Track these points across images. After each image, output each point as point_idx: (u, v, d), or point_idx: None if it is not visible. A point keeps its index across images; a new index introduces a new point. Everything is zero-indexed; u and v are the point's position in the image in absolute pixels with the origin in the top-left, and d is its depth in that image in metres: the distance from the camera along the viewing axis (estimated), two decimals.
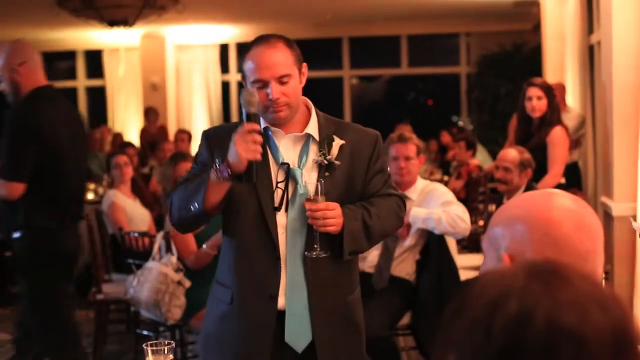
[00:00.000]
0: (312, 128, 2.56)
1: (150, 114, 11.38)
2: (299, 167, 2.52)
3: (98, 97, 12.98)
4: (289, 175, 2.51)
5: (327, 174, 2.51)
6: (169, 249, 4.48)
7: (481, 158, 9.63)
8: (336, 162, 2.52)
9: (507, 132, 6.51)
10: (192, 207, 2.45)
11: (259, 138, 2.38)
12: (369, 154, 2.59)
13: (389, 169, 2.81)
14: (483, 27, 11.91)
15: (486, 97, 11.60)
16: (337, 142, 2.54)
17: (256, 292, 2.50)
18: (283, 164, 2.53)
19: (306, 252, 2.49)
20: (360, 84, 13.86)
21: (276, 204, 2.50)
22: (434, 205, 4.16)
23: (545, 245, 1.30)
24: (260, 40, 2.52)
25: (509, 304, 0.97)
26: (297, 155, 2.54)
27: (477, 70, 12.04)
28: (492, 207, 6.00)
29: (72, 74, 13.20)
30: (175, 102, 12.56)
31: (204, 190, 2.40)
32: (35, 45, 4.38)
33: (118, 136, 11.34)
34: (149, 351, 2.04)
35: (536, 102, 5.19)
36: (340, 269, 2.57)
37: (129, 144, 8.90)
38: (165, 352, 2.04)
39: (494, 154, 8.65)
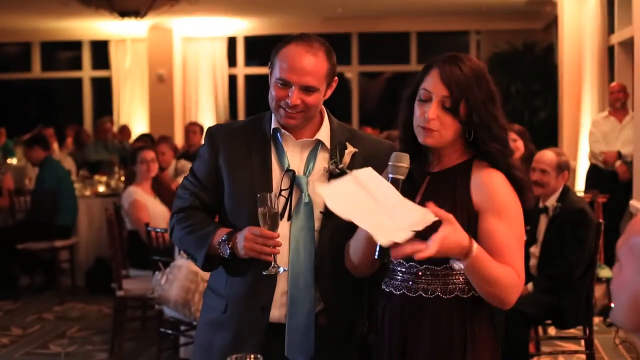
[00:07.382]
0: (324, 134, 2.38)
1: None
2: (305, 174, 2.34)
3: (103, 88, 12.86)
4: (294, 183, 2.33)
5: None
6: None
7: None
8: (348, 170, 2.28)
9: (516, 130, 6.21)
10: (192, 258, 2.42)
11: (270, 249, 2.21)
12: (385, 164, 2.16)
13: None
14: (493, 25, 11.81)
15: None
16: (350, 150, 2.36)
17: (249, 303, 2.34)
18: (288, 170, 2.34)
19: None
20: (363, 80, 13.68)
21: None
22: None
23: None
24: (303, 38, 2.31)
25: None
26: (304, 162, 2.36)
27: (487, 68, 11.92)
28: None
29: (77, 65, 13.06)
30: (182, 94, 12.44)
31: (205, 252, 2.33)
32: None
33: (125, 128, 11.22)
34: None
35: None
36: (354, 283, 2.37)
37: (149, 137, 8.77)
38: None
39: None
